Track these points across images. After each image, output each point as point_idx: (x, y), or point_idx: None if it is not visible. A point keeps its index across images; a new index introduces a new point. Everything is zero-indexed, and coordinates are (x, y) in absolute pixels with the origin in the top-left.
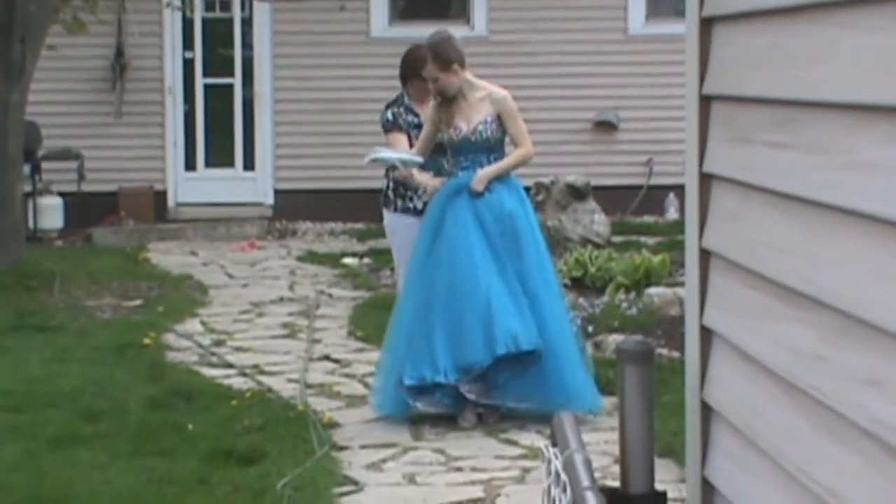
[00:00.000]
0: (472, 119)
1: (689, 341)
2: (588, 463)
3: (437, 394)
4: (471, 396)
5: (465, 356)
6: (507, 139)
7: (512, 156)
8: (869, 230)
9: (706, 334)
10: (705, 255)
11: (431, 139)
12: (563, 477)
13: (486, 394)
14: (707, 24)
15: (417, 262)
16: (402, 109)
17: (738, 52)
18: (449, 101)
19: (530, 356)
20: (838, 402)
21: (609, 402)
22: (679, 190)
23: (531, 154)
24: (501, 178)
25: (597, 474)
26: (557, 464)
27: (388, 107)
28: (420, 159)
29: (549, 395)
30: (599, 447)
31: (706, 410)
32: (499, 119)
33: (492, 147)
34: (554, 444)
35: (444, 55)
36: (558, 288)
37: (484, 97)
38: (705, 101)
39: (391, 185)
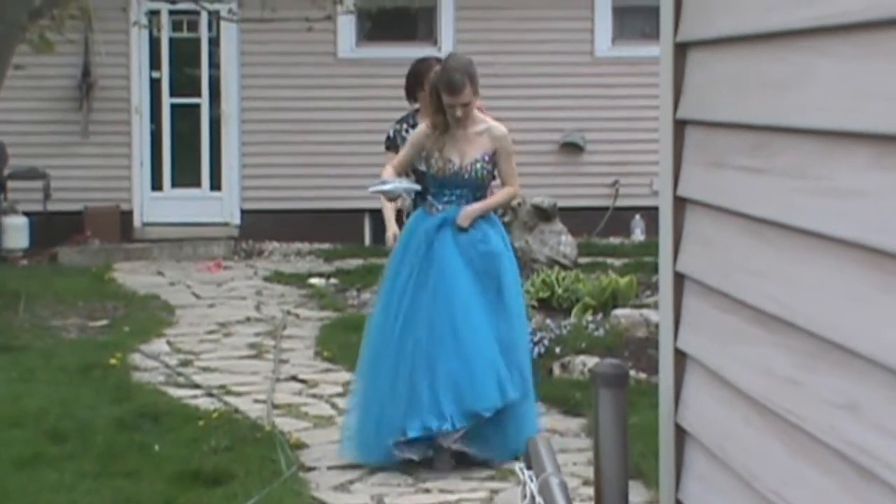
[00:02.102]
0: (467, 154)
1: (663, 364)
2: (564, 486)
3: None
4: (446, 444)
5: (476, 401)
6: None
7: (500, 194)
8: (843, 255)
9: (680, 357)
10: (679, 279)
11: (409, 164)
12: (539, 500)
13: (459, 441)
14: (681, 49)
15: (401, 299)
16: (405, 126)
17: (713, 76)
18: (445, 130)
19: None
20: (813, 425)
21: (577, 423)
22: (645, 211)
23: (518, 195)
24: (484, 214)
25: None
26: (533, 487)
27: (397, 122)
28: (418, 187)
29: (504, 443)
30: (568, 469)
31: (680, 433)
32: (493, 155)
33: (480, 185)
34: (529, 467)
35: (477, 78)
36: (527, 331)
37: (483, 131)
38: (679, 126)
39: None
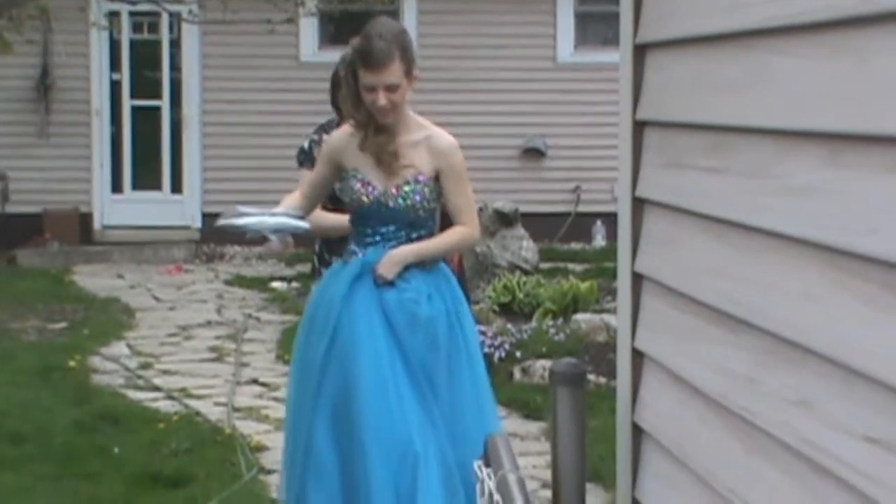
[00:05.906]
0: (397, 172)
1: (620, 364)
2: (522, 483)
3: None
4: None
5: None
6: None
7: (449, 234)
8: (799, 254)
9: (637, 357)
10: (637, 279)
11: (324, 188)
12: (497, 497)
13: None
14: (640, 51)
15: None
16: (324, 137)
17: (671, 77)
18: (373, 130)
19: None
20: (768, 422)
21: (537, 427)
22: (606, 217)
23: (476, 237)
24: (426, 264)
25: None
26: (491, 484)
27: (315, 130)
28: (305, 225)
29: None
30: (528, 471)
31: (637, 432)
32: (436, 178)
33: (416, 219)
34: (487, 465)
35: (411, 53)
36: (496, 418)
37: (420, 141)
38: (638, 127)
39: (318, 250)
